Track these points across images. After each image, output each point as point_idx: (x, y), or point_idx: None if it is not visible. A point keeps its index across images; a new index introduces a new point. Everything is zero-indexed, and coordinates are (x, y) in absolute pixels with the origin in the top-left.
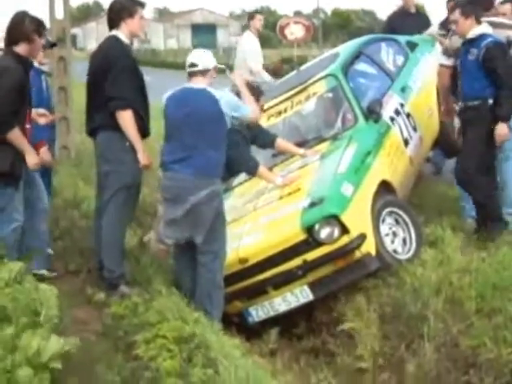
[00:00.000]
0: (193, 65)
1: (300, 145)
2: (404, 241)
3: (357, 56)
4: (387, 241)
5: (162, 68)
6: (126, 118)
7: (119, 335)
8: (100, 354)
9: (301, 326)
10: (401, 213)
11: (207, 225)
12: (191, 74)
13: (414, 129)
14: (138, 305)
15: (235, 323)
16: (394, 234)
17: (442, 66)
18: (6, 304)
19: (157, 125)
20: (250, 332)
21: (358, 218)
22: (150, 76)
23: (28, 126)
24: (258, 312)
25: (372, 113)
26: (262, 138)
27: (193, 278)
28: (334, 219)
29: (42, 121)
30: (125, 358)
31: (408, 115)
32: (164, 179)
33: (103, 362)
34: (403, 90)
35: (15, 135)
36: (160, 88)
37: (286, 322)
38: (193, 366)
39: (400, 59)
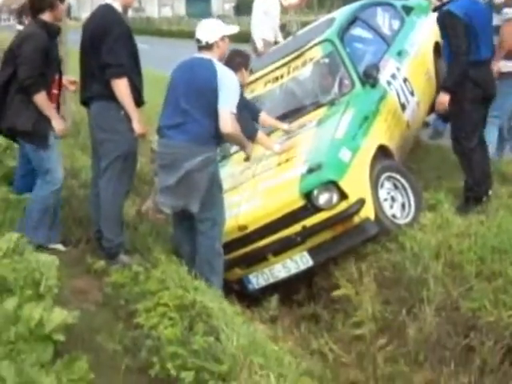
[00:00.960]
0: (197, 40)
1: (297, 111)
2: (403, 205)
3: (353, 21)
4: (386, 206)
5: (156, 36)
6: (122, 86)
7: (120, 304)
8: (101, 324)
9: (301, 293)
10: (399, 178)
11: (201, 192)
12: (199, 48)
13: (411, 93)
14: (138, 273)
15: (235, 291)
16: (393, 199)
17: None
18: (7, 275)
19: (153, 94)
20: (250, 299)
21: (356, 184)
22: (145, 44)
23: (55, 91)
24: (258, 279)
25: (369, 77)
26: (246, 112)
27: (192, 245)
28: (332, 185)
29: (72, 88)
30: (126, 327)
31: (405, 80)
32: (159, 146)
33: (104, 332)
34: (399, 54)
35: (41, 99)
36: (155, 56)
37: (286, 289)
38: (194, 334)
39: (396, 23)
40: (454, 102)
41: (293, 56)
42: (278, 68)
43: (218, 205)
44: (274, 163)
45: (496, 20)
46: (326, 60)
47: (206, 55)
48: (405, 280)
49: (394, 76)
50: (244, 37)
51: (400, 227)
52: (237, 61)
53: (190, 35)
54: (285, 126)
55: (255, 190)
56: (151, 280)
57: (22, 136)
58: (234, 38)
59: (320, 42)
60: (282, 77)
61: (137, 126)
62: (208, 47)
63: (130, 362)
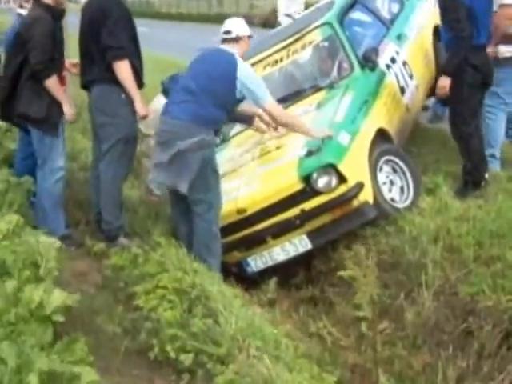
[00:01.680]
0: (227, 32)
1: (297, 94)
2: (401, 189)
3: (352, 4)
4: (385, 189)
5: (156, 19)
6: (124, 69)
7: (119, 286)
8: (100, 306)
9: (299, 276)
10: (398, 161)
11: (192, 173)
12: (224, 41)
13: (411, 77)
14: (137, 256)
15: (234, 273)
16: (392, 183)
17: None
18: (6, 257)
19: (152, 76)
20: (248, 282)
21: (355, 167)
22: (145, 27)
23: (64, 74)
24: (257, 262)
25: (368, 61)
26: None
27: (189, 227)
28: (331, 168)
29: (73, 71)
30: (125, 309)
31: (404, 63)
32: (160, 123)
33: (104, 314)
34: (399, 37)
35: (52, 83)
36: (155, 39)
37: (284, 272)
38: (193, 317)
39: (395, 7)
40: (453, 87)
41: (292, 39)
42: (277, 51)
43: (212, 188)
44: (273, 146)
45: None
46: (326, 43)
47: (229, 48)
48: (403, 264)
49: (393, 60)
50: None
51: (399, 211)
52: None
53: (189, 18)
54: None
55: (254, 173)
56: (150, 262)
57: (34, 123)
58: None
59: (319, 26)
60: (281, 60)
61: (139, 108)
62: (236, 40)
63: (129, 344)
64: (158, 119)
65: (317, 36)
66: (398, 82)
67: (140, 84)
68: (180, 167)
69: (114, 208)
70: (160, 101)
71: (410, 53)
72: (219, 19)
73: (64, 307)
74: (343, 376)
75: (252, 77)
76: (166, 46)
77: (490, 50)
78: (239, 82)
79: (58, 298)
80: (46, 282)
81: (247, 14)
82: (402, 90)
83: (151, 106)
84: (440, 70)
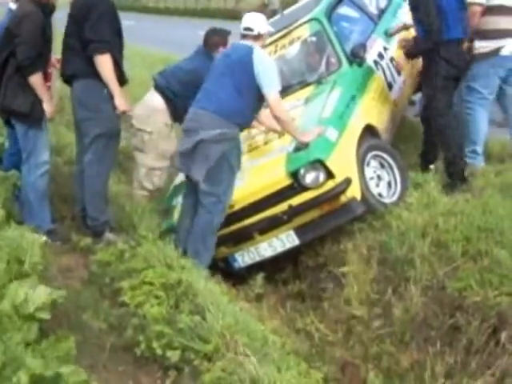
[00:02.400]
0: (248, 29)
1: (284, 89)
2: (389, 184)
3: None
4: (372, 184)
5: (143, 13)
6: (105, 62)
7: (105, 282)
8: (86, 302)
9: (287, 271)
10: (385, 156)
11: (209, 164)
12: (244, 36)
13: (398, 72)
14: (123, 251)
15: (221, 269)
16: (379, 178)
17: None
18: None
19: (138, 70)
20: (235, 277)
21: (342, 163)
22: (132, 21)
23: (50, 70)
24: (244, 257)
25: (356, 57)
26: None
27: (192, 221)
28: (319, 164)
29: (58, 66)
30: (111, 305)
31: (392, 59)
32: (189, 112)
33: (89, 310)
34: (387, 33)
35: (36, 80)
36: (142, 33)
37: (271, 267)
38: (180, 313)
39: (383, 2)
40: (427, 81)
41: (280, 34)
42: (265, 46)
43: (225, 183)
44: (261, 142)
45: None
46: (314, 39)
47: (249, 43)
48: (391, 259)
49: (380, 55)
50: (230, 14)
51: (386, 206)
52: (212, 40)
53: (176, 12)
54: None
55: (242, 168)
56: (137, 258)
57: (18, 117)
58: (222, 15)
59: (307, 21)
60: (269, 55)
61: (119, 103)
62: (257, 37)
63: (115, 340)
64: (152, 114)
65: (305, 31)
66: (386, 77)
67: (123, 80)
68: (199, 156)
69: (99, 203)
70: (153, 96)
71: (398, 48)
72: (206, 14)
73: (49, 304)
74: (331, 372)
75: (265, 63)
76: (153, 40)
77: (465, 45)
78: (255, 66)
79: (43, 294)
80: (30, 278)
81: (234, 8)
82: (390, 86)
83: (144, 101)
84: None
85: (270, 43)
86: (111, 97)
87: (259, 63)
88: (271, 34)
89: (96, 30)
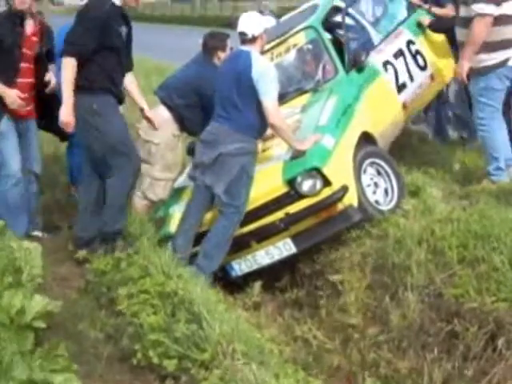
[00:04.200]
0: (242, 33)
1: (281, 97)
2: (386, 191)
3: (336, 7)
4: (369, 192)
5: (139, 21)
6: (66, 65)
7: (102, 291)
8: (83, 311)
9: (284, 279)
10: (382, 163)
11: (229, 178)
12: (242, 41)
13: (422, 67)
14: (120, 260)
15: (218, 277)
16: (376, 185)
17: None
18: None
19: (138, 80)
20: (233, 286)
21: (339, 170)
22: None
23: (23, 80)
24: (241, 266)
25: (356, 62)
26: None
27: (197, 222)
28: (315, 172)
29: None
30: (108, 315)
31: (417, 52)
32: (209, 125)
33: (86, 319)
34: (419, 24)
35: None
36: (139, 41)
37: (269, 275)
38: (176, 322)
39: (379, 10)
40: None
41: (276, 42)
42: (261, 53)
43: (243, 196)
44: (258, 150)
45: (464, 11)
46: (310, 46)
47: (247, 48)
48: (388, 266)
49: (398, 54)
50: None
51: (383, 213)
52: (211, 44)
53: (173, 20)
54: None
55: None
56: (133, 267)
57: None
58: (219, 23)
59: (303, 29)
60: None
61: (62, 112)
62: (253, 40)
63: (111, 349)
64: (159, 125)
65: (301, 39)
66: (397, 78)
67: (119, 99)
68: (220, 169)
69: (118, 212)
70: (160, 109)
71: (427, 40)
72: (202, 22)
73: (45, 313)
74: (329, 380)
75: (264, 70)
76: (149, 48)
77: (468, 60)
78: (254, 75)
79: (39, 304)
80: (26, 288)
81: (231, 16)
82: (402, 86)
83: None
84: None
85: (266, 51)
86: (103, 112)
87: (258, 71)
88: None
89: (72, 32)
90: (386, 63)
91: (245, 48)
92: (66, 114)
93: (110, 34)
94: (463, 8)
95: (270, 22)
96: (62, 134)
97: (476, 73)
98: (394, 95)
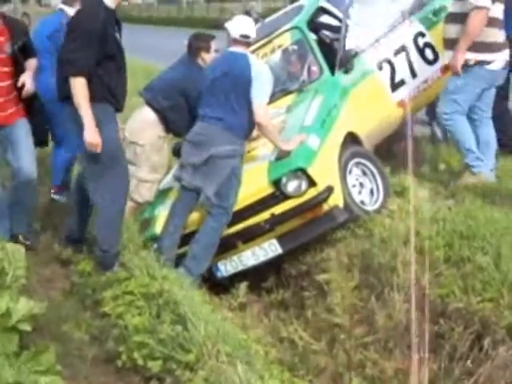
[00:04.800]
0: (245, 36)
1: None
2: (371, 191)
3: (322, 8)
4: (354, 192)
5: (127, 22)
6: (75, 86)
7: (87, 293)
8: (68, 313)
9: (270, 280)
10: (367, 163)
11: (219, 179)
12: (236, 42)
13: (430, 62)
14: None
15: (204, 278)
16: (361, 185)
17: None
18: None
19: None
20: (218, 287)
21: (325, 171)
22: None
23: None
24: (227, 266)
25: (344, 63)
26: None
27: (182, 223)
28: (301, 172)
29: None
30: (93, 316)
31: (425, 46)
32: (196, 126)
33: (71, 321)
34: (435, 13)
35: None
36: (126, 42)
37: (254, 276)
38: (161, 323)
39: None
40: None
41: (261, 43)
42: None
43: (232, 197)
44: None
45: (457, 7)
46: (295, 47)
47: (240, 49)
48: (374, 267)
49: (398, 51)
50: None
51: (369, 214)
52: (195, 46)
53: (159, 22)
54: None
55: None
56: (118, 268)
57: None
58: (204, 24)
59: (288, 29)
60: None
61: (86, 134)
62: (250, 43)
63: (96, 351)
64: (144, 127)
65: (286, 40)
66: (394, 76)
67: (118, 108)
68: (210, 171)
69: (112, 234)
70: (145, 110)
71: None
72: (189, 23)
73: (30, 315)
74: (315, 381)
75: (262, 72)
76: (136, 49)
77: (463, 53)
78: (253, 78)
79: (24, 306)
80: (11, 290)
81: (218, 17)
82: (401, 84)
83: (136, 114)
84: None
85: (252, 52)
86: (103, 119)
87: (257, 75)
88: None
89: (69, 51)
90: (381, 61)
91: (238, 50)
92: (92, 136)
93: (108, 42)
94: (455, 3)
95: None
96: (38, 139)
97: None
98: (386, 94)
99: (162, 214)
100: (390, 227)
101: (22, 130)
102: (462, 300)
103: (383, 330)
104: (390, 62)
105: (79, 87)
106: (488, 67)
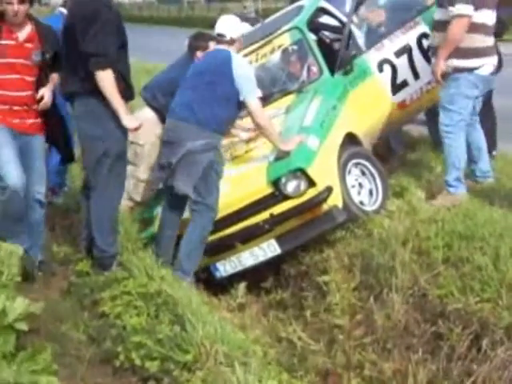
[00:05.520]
0: (220, 35)
1: (265, 98)
2: (370, 192)
3: (322, 8)
4: (354, 192)
5: (127, 22)
6: (106, 79)
7: (85, 293)
8: (65, 313)
9: (269, 280)
10: (367, 164)
11: (197, 175)
12: (219, 42)
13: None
14: None
15: (203, 279)
16: (361, 186)
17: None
18: None
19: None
20: (217, 287)
21: (324, 171)
22: None
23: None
24: (226, 267)
25: (344, 64)
26: None
27: (174, 231)
28: (300, 172)
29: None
30: (91, 316)
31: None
32: (167, 124)
33: (69, 321)
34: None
35: None
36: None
37: (253, 276)
38: (159, 323)
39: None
40: None
41: (261, 43)
42: (246, 55)
43: (213, 193)
44: (242, 150)
45: (440, 14)
46: (295, 47)
47: (223, 47)
48: (373, 267)
49: (400, 51)
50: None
51: (368, 214)
52: (193, 45)
53: (160, 21)
54: (242, 134)
55: (223, 177)
56: (117, 268)
57: None
58: (205, 24)
59: (288, 30)
60: (250, 63)
61: (127, 122)
62: (231, 42)
63: (94, 351)
64: (144, 126)
65: (286, 40)
66: (395, 78)
67: (128, 95)
68: (186, 168)
69: (108, 234)
70: (145, 110)
71: None
72: (190, 23)
73: (27, 315)
74: (313, 381)
75: (245, 70)
76: (137, 49)
77: (444, 60)
78: (234, 74)
79: (20, 305)
80: (8, 289)
81: (217, 16)
82: (403, 85)
83: (136, 114)
84: None
85: (251, 52)
86: (115, 115)
87: (239, 71)
88: (250, 41)
89: (97, 43)
90: (382, 62)
91: (223, 48)
92: (132, 122)
93: (122, 32)
94: (438, 11)
95: (245, 27)
96: (66, 154)
97: (446, 78)
98: (386, 95)
99: (160, 214)
100: (389, 227)
101: (39, 148)
102: (460, 300)
103: (382, 331)
104: (391, 63)
105: (110, 79)
106: (477, 72)
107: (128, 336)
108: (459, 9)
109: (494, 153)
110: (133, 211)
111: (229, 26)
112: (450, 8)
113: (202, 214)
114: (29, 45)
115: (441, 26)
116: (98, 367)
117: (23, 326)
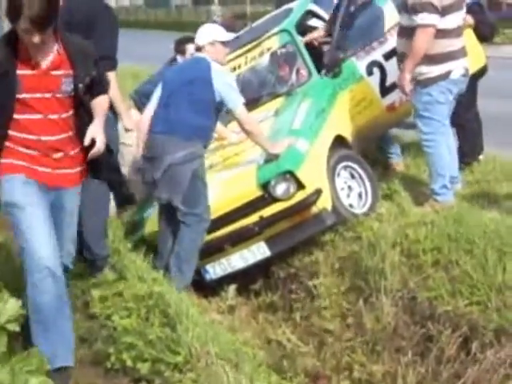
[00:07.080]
0: (196, 45)
1: (254, 101)
2: (359, 195)
3: (310, 11)
4: (343, 195)
5: None
6: (112, 81)
7: (76, 294)
8: None
9: (258, 283)
10: (356, 167)
11: (183, 186)
12: (196, 49)
13: None
14: None
15: (193, 281)
16: (350, 189)
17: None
18: None
19: None
20: (207, 289)
21: (313, 174)
22: None
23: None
24: (216, 269)
25: (333, 67)
26: None
27: (171, 237)
28: (289, 175)
29: None
30: (82, 317)
31: None
32: (147, 140)
33: None
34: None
35: None
36: None
37: (243, 279)
38: (150, 325)
39: None
40: None
41: (250, 46)
42: (235, 58)
43: (202, 201)
44: (232, 153)
45: (404, 20)
46: (283, 50)
47: (203, 55)
48: (362, 270)
49: (389, 54)
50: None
51: (357, 217)
52: (179, 48)
53: (146, 25)
54: (233, 135)
55: (212, 180)
56: (108, 270)
57: None
58: (193, 29)
59: (277, 32)
60: (239, 67)
61: (127, 122)
62: (198, 49)
63: (85, 352)
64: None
65: (275, 43)
66: (384, 80)
67: None
68: (171, 181)
69: (101, 239)
70: (133, 112)
71: None
72: (177, 27)
73: (19, 316)
74: (303, 383)
75: (225, 79)
76: (123, 53)
77: (410, 72)
78: (214, 82)
79: (13, 306)
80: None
81: (206, 21)
82: (392, 88)
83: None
84: None
85: (240, 55)
86: (116, 122)
87: (219, 79)
88: (239, 44)
89: (105, 45)
90: (371, 64)
91: (201, 55)
92: (130, 122)
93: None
94: (402, 15)
95: (225, 36)
96: (122, 195)
97: (418, 86)
98: (375, 98)
99: (151, 215)
100: (379, 230)
101: (73, 204)
102: (449, 303)
103: (371, 333)
104: (380, 66)
105: (114, 81)
106: (450, 77)
107: (119, 337)
108: (423, 18)
109: (480, 157)
110: (120, 214)
111: (200, 33)
112: (413, 17)
113: (192, 227)
114: (56, 72)
115: (404, 32)
116: (89, 368)
117: (15, 328)
